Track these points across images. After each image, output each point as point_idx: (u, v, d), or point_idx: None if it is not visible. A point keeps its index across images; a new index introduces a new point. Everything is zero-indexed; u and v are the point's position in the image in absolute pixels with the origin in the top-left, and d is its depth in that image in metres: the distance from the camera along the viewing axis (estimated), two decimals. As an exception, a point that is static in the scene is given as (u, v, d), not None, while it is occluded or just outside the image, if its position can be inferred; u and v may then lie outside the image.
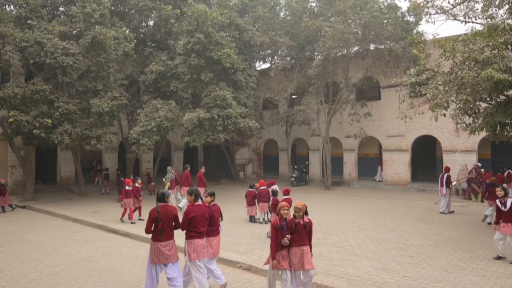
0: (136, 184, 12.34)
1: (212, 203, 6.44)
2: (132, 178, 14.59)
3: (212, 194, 6.53)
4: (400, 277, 6.77)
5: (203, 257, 5.96)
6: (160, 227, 5.70)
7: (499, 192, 8.05)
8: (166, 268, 5.79)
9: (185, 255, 5.95)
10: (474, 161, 17.49)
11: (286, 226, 5.55)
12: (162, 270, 5.83)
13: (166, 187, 14.23)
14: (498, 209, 7.89)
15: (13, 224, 12.08)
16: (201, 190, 13.66)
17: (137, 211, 12.41)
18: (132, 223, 11.73)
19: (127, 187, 11.97)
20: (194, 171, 21.80)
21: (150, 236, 5.90)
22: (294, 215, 5.69)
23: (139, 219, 12.16)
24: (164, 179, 15.13)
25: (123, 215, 12.02)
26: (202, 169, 14.82)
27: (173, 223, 5.90)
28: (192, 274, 5.93)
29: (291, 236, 5.50)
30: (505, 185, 15.66)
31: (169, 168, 15.27)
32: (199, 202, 6.07)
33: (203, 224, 5.96)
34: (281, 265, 5.50)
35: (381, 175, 21.54)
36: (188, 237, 5.91)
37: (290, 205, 9.57)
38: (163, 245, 5.73)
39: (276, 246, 5.56)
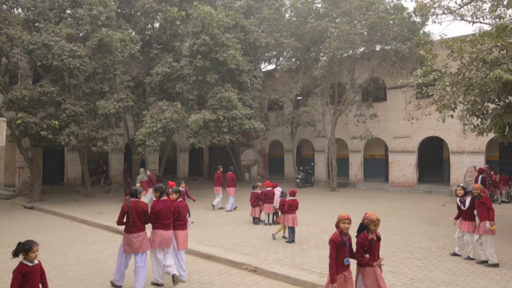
0: (180, 188, 11.88)
1: (179, 200, 7.04)
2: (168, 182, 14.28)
3: (177, 192, 7.17)
4: (408, 279, 6.71)
5: (165, 247, 6.52)
6: (131, 220, 6.28)
7: (459, 191, 8.21)
8: (136, 256, 6.38)
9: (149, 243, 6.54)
10: (482, 163, 17.33)
11: (348, 242, 4.85)
12: (131, 257, 6.48)
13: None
14: (458, 207, 8.19)
15: (21, 224, 12.18)
16: (232, 190, 14.40)
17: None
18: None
19: (170, 191, 11.49)
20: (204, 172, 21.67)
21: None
22: (363, 227, 4.88)
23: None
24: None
25: None
26: (220, 170, 15.28)
27: (144, 218, 6.47)
28: (151, 260, 6.55)
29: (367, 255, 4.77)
30: None
31: (141, 169, 15.85)
32: (164, 197, 6.65)
33: (168, 217, 6.57)
34: None
35: None
36: (153, 227, 6.55)
37: (297, 207, 9.63)
38: (134, 236, 6.33)
39: (337, 267, 4.72)
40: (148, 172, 15.35)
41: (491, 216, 7.50)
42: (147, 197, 14.49)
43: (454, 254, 8.11)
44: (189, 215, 7.27)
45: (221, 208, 14.73)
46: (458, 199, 8.20)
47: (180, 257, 6.91)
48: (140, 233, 6.37)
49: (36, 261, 4.44)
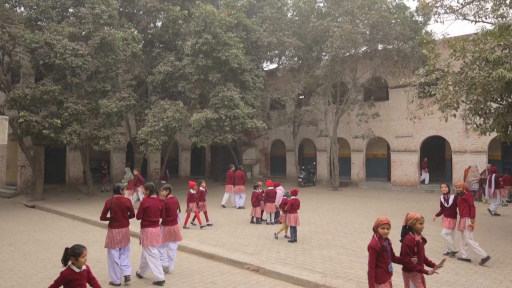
0: (201, 188, 11.41)
1: (169, 196, 7.34)
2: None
3: (167, 188, 7.40)
4: (410, 279, 6.69)
5: (156, 244, 6.71)
6: (113, 216, 6.57)
7: (444, 188, 8.31)
8: (120, 251, 6.70)
9: (140, 242, 6.76)
10: (484, 162, 17.28)
11: (389, 248, 4.57)
12: (119, 251, 6.69)
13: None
14: (441, 204, 8.34)
15: (23, 223, 12.20)
16: (242, 187, 14.73)
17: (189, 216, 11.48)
18: (201, 227, 10.96)
19: (191, 191, 11.04)
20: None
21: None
22: (408, 228, 4.67)
23: (208, 225, 11.20)
24: (123, 180, 15.72)
25: (186, 221, 11.09)
26: (233, 168, 15.52)
27: (128, 213, 6.76)
28: (146, 259, 6.69)
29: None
30: None
31: (127, 169, 16.10)
32: (154, 195, 6.89)
33: (156, 215, 6.79)
34: None
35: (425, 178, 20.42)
36: (142, 225, 6.74)
37: (298, 206, 9.62)
38: (117, 232, 6.62)
39: (381, 275, 4.42)
40: (135, 171, 15.51)
41: (473, 213, 7.68)
42: (135, 196, 14.83)
43: (448, 254, 8.16)
44: (179, 211, 7.57)
45: (223, 206, 14.82)
46: (442, 196, 8.38)
47: (171, 249, 7.24)
48: (122, 229, 6.68)
49: (84, 267, 4.24)
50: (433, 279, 6.69)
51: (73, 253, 4.12)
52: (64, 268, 4.18)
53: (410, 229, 4.67)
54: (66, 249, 4.20)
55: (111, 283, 6.65)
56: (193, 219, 11.38)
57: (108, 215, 6.75)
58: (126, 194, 14.24)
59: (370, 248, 4.50)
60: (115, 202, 6.66)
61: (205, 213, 11.29)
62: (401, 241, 4.65)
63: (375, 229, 4.60)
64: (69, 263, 4.15)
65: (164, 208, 7.03)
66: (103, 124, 15.48)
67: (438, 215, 8.45)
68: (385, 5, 17.97)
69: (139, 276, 7.00)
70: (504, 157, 19.42)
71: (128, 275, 6.68)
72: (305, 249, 8.70)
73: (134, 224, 7.41)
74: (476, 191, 16.27)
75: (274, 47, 20.69)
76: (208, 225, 11.21)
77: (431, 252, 8.37)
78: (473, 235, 7.76)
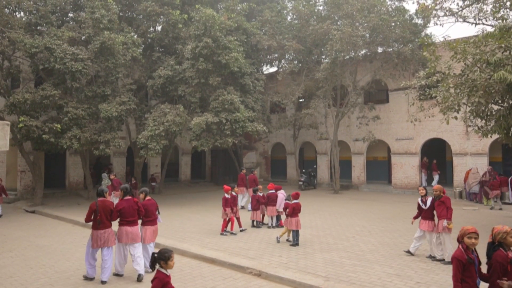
0: (233, 193, 10.94)
1: (147, 198, 7.70)
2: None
3: (143, 192, 7.81)
4: (414, 283, 6.64)
5: (131, 242, 7.14)
6: (99, 218, 6.98)
7: (421, 191, 8.43)
8: (103, 250, 7.07)
9: (115, 238, 7.22)
10: (485, 164, 17.23)
11: (477, 260, 4.08)
12: (98, 251, 7.12)
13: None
14: (418, 206, 8.44)
15: (23, 229, 12.14)
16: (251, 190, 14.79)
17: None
18: (241, 230, 10.81)
19: (226, 195, 10.63)
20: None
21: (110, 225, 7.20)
22: (496, 245, 4.01)
23: (241, 230, 10.88)
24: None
25: (224, 227, 10.70)
26: (243, 171, 16.23)
27: (111, 215, 7.17)
28: (116, 253, 7.20)
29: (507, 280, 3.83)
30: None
31: (104, 175, 16.44)
32: (128, 197, 7.30)
33: (132, 215, 7.22)
34: None
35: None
36: (119, 224, 7.25)
37: (300, 210, 9.56)
38: (101, 233, 7.03)
39: None
40: (112, 176, 15.70)
41: (449, 215, 7.85)
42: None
43: (408, 252, 8.39)
44: (159, 212, 7.89)
45: (242, 207, 15.03)
46: (419, 199, 8.46)
47: (148, 250, 7.54)
48: (106, 230, 7.10)
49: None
50: (436, 282, 6.65)
51: (163, 257, 4.24)
52: (154, 273, 4.30)
53: (500, 244, 4.04)
54: (153, 254, 4.33)
55: (85, 276, 7.12)
56: (226, 226, 10.84)
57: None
58: (113, 196, 14.55)
59: (455, 259, 4.02)
60: (100, 205, 7.04)
61: (238, 218, 10.95)
62: (488, 258, 4.08)
63: (460, 239, 4.18)
64: (157, 267, 4.27)
65: (141, 207, 7.40)
66: (103, 128, 15.43)
67: (416, 217, 8.57)
68: (385, 8, 18.01)
69: (118, 274, 7.36)
70: (505, 159, 19.38)
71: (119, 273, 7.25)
72: (307, 252, 8.65)
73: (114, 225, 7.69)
74: (476, 193, 16.24)
75: (274, 50, 20.70)
76: (241, 230, 10.91)
77: (394, 254, 8.32)
78: (451, 237, 7.81)
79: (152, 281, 4.19)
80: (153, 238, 7.65)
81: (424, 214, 8.24)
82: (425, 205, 8.24)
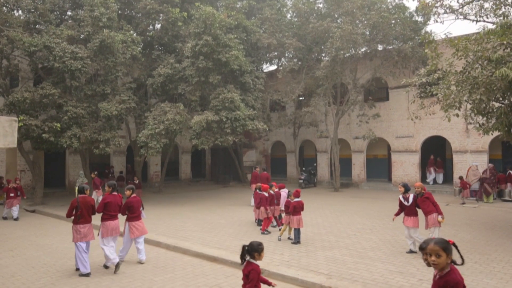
0: (271, 191, 10.99)
1: (132, 196, 8.01)
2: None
3: (130, 189, 8.10)
4: (416, 280, 6.64)
5: (112, 235, 7.64)
6: (79, 213, 7.35)
7: (400, 188, 8.54)
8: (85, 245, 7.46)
9: (98, 233, 7.61)
10: (485, 162, 17.25)
11: None
12: (85, 244, 7.44)
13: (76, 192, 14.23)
14: (401, 203, 8.57)
15: (24, 228, 12.11)
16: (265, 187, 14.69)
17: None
18: (263, 233, 10.47)
19: (265, 194, 10.72)
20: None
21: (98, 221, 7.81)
22: None
23: (272, 226, 11.00)
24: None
25: (267, 225, 10.59)
26: (257, 169, 16.94)
27: (92, 211, 7.56)
28: (102, 247, 7.58)
29: None
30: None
31: (81, 172, 16.65)
32: (115, 193, 7.81)
33: (116, 210, 7.73)
34: None
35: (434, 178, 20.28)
36: (102, 219, 7.66)
37: (302, 208, 9.53)
38: (81, 227, 7.38)
39: None
40: (93, 175, 15.92)
41: (439, 209, 8.05)
42: (94, 196, 15.01)
43: (410, 252, 8.35)
44: (143, 208, 8.22)
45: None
46: (401, 196, 8.58)
47: (138, 244, 7.99)
48: (86, 224, 7.45)
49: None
50: (440, 280, 6.63)
51: (257, 249, 4.38)
52: (243, 266, 4.47)
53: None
54: (244, 246, 4.45)
55: (81, 274, 7.28)
56: (263, 224, 10.70)
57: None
58: (94, 194, 14.86)
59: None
60: (81, 201, 7.41)
61: (276, 217, 10.99)
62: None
63: None
64: (247, 258, 4.42)
65: (124, 205, 7.89)
66: (103, 127, 15.40)
67: (397, 214, 8.72)
68: (385, 6, 17.96)
69: (106, 266, 7.72)
70: (505, 156, 19.40)
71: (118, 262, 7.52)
72: (309, 250, 8.64)
73: (95, 219, 8.18)
74: (476, 190, 16.24)
75: (274, 48, 20.66)
76: (273, 226, 11.08)
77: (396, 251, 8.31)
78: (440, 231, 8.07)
79: (248, 274, 4.34)
80: (138, 233, 7.99)
81: (407, 210, 8.39)
82: (408, 202, 8.38)
